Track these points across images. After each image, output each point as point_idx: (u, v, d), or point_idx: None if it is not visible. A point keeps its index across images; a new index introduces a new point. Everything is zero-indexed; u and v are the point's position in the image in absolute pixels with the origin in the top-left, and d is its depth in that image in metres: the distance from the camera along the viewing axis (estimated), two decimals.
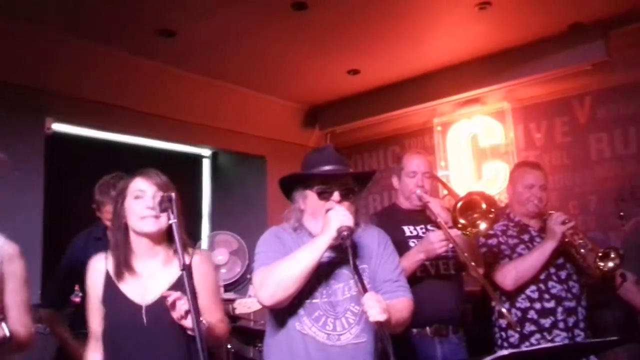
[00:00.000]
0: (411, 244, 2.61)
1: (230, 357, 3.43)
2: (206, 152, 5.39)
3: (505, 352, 1.73)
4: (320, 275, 1.89)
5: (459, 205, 2.53)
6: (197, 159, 5.37)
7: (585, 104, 4.41)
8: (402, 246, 2.56)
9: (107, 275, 1.92)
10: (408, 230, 2.67)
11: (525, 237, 2.79)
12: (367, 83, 4.78)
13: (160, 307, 1.79)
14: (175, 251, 1.69)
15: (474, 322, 2.77)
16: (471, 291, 2.93)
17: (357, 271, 1.77)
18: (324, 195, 1.93)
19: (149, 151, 4.66)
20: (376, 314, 1.65)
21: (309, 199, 1.97)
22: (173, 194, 1.79)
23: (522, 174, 2.88)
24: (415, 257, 2.48)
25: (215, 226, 5.19)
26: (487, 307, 2.92)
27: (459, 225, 2.50)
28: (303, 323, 1.89)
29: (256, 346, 3.39)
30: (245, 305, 3.64)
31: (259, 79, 4.61)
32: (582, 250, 2.66)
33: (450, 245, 2.45)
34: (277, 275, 1.82)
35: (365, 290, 1.72)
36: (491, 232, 2.68)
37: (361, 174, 2.09)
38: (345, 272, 1.93)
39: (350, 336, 1.89)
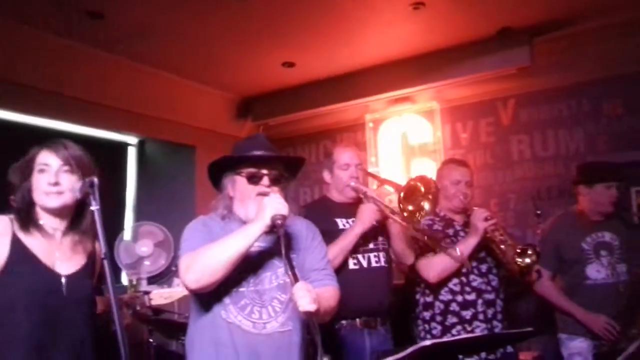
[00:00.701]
0: None
1: (152, 351, 3.32)
2: (132, 140, 5.19)
3: (427, 342, 1.78)
4: (249, 263, 1.86)
5: (402, 194, 2.60)
6: (122, 147, 5.17)
7: (508, 107, 4.61)
8: (335, 238, 2.58)
9: (14, 237, 1.83)
10: (341, 222, 2.69)
11: (450, 231, 2.88)
12: (301, 76, 4.76)
13: (77, 281, 1.80)
14: (85, 235, 1.73)
15: (397, 314, 2.82)
16: (395, 284, 2.98)
17: (289, 260, 1.74)
18: (253, 180, 1.92)
19: (71, 137, 4.34)
20: (306, 304, 1.64)
21: (238, 184, 1.95)
22: (95, 179, 1.72)
23: (449, 171, 2.97)
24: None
25: (139, 217, 5.02)
26: (410, 300, 2.99)
27: (406, 214, 2.56)
28: (229, 311, 1.86)
29: (179, 339, 3.29)
30: (161, 296, 3.54)
31: (191, 67, 4.49)
32: (502, 246, 2.78)
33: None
34: (205, 259, 1.78)
35: (296, 279, 1.70)
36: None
37: (291, 159, 2.09)
38: (273, 261, 1.92)
39: (276, 324, 1.88)
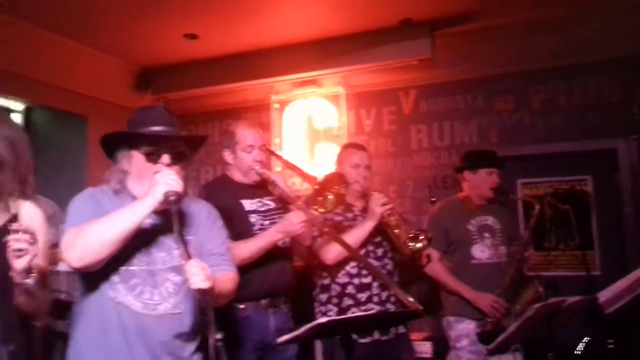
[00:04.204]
0: (251, 219, 2.60)
1: (38, 331, 3.11)
2: (17, 106, 4.77)
3: (323, 319, 1.82)
4: (141, 241, 1.78)
5: (316, 188, 2.62)
6: (5, 113, 4.73)
7: (410, 97, 4.76)
8: (242, 220, 2.55)
9: None
10: (247, 204, 2.64)
11: (349, 215, 2.94)
12: (205, 50, 4.59)
13: None
14: None
15: (296, 295, 2.85)
16: (296, 266, 3.00)
17: (182, 239, 1.68)
18: (152, 157, 1.82)
19: None
20: (199, 281, 1.59)
21: (135, 159, 1.84)
22: None
23: (348, 154, 3.02)
24: (274, 236, 2.50)
25: None
26: (308, 281, 3.02)
27: (322, 210, 2.59)
28: (117, 291, 1.78)
29: (66, 319, 3.11)
30: (45, 258, 3.34)
31: (87, 31, 4.17)
32: (396, 231, 2.88)
33: None
34: (90, 236, 1.67)
35: (189, 257, 1.65)
36: None
37: (193, 137, 2.01)
38: (167, 241, 1.85)
39: (168, 306, 1.82)
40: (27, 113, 4.84)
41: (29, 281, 1.60)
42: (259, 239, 2.51)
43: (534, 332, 2.57)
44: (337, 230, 2.79)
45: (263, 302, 2.59)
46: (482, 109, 4.53)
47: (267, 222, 2.63)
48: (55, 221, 4.07)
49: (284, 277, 2.68)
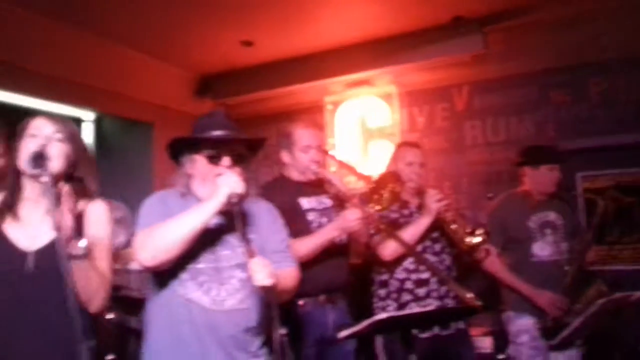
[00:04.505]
0: (309, 217, 2.67)
1: (111, 327, 3.31)
2: (89, 115, 5.07)
3: (383, 315, 1.86)
4: (207, 240, 1.87)
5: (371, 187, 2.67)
6: (77, 122, 5.03)
7: (463, 93, 4.74)
8: (300, 219, 2.62)
9: None
10: (304, 202, 2.70)
11: (405, 212, 2.97)
12: (261, 56, 4.74)
13: (48, 254, 1.68)
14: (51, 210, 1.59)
15: (354, 292, 2.91)
16: (353, 263, 3.06)
17: (245, 237, 1.77)
18: (213, 160, 1.90)
19: (21, 110, 4.25)
20: (262, 278, 1.68)
21: (198, 163, 1.93)
22: (48, 150, 1.70)
23: (402, 153, 3.05)
24: (330, 233, 2.55)
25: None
26: (365, 279, 3.08)
27: (377, 207, 2.64)
28: (187, 287, 1.86)
29: (138, 316, 3.30)
30: (119, 257, 3.58)
31: (150, 42, 4.41)
32: (453, 226, 2.89)
33: None
34: (160, 236, 1.77)
35: (252, 255, 1.73)
36: None
37: (252, 140, 2.06)
38: (232, 240, 1.93)
39: (235, 301, 1.89)
40: (97, 122, 5.14)
41: (80, 250, 1.65)
42: (317, 236, 2.57)
43: (599, 328, 2.51)
44: (393, 227, 2.82)
45: (321, 297, 2.64)
46: (538, 102, 4.45)
47: (324, 220, 2.68)
48: (125, 223, 4.33)
49: (340, 273, 2.73)
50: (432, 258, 2.88)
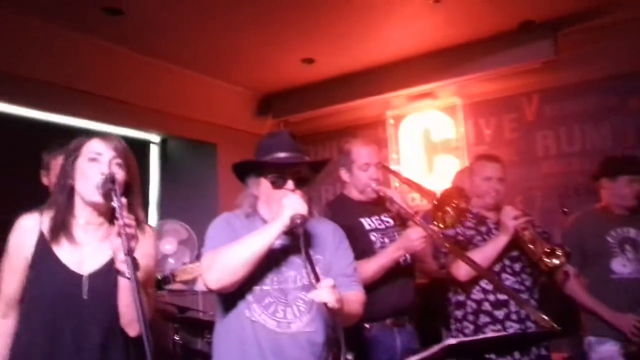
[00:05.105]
0: (372, 237, 2.60)
1: (178, 349, 3.34)
2: (155, 138, 5.22)
3: (452, 340, 1.75)
4: (272, 262, 1.85)
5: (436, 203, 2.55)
6: (144, 145, 5.20)
7: (533, 102, 4.54)
8: (363, 239, 2.55)
9: (41, 235, 1.74)
10: (366, 222, 2.64)
11: (483, 228, 2.82)
12: (321, 73, 4.75)
13: (101, 278, 1.71)
14: (118, 233, 1.56)
15: (422, 314, 2.80)
16: (419, 283, 2.95)
17: (309, 258, 1.74)
18: (277, 184, 1.90)
19: (92, 135, 4.40)
20: (330, 301, 1.63)
21: (263, 186, 1.94)
22: (117, 174, 1.72)
23: (480, 167, 2.91)
24: (394, 254, 2.48)
25: (163, 215, 5.04)
26: (437, 299, 2.95)
27: (441, 225, 2.53)
28: (252, 310, 1.85)
29: (204, 337, 3.31)
30: (186, 272, 3.60)
31: (211, 64, 4.51)
32: (531, 246, 2.72)
33: None
34: (225, 258, 1.77)
35: (317, 277, 1.70)
36: None
37: (315, 163, 2.04)
38: (297, 261, 1.90)
39: (300, 324, 1.86)
40: (163, 144, 5.29)
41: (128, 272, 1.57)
42: (380, 257, 2.49)
43: None
44: (470, 245, 2.70)
45: (388, 321, 2.56)
46: (616, 109, 4.19)
47: (387, 240, 2.61)
48: (190, 244, 4.41)
49: (407, 295, 2.63)
50: (510, 278, 2.72)
